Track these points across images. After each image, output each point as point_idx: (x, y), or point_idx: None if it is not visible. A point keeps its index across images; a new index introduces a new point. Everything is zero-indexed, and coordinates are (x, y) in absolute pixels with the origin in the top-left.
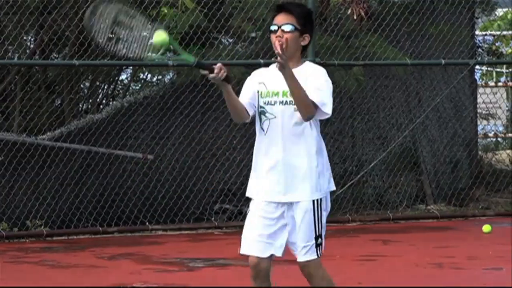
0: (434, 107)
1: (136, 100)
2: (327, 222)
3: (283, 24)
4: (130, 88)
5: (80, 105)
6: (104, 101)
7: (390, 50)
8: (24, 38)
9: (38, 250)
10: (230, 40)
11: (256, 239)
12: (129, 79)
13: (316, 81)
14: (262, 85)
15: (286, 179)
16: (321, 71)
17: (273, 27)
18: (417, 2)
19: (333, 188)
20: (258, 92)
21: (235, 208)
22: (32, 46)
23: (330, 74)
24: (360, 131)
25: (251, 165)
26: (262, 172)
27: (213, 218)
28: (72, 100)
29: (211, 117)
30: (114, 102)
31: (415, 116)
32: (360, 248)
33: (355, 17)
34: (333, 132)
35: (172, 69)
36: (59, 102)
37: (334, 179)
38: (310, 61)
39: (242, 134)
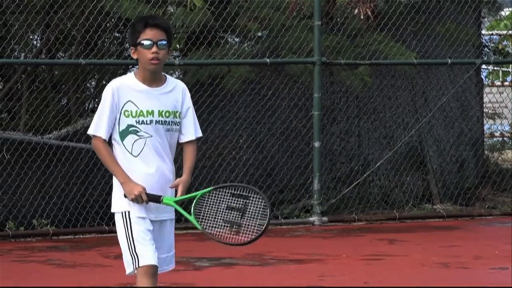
0: (441, 107)
1: None
2: (333, 221)
3: (159, 40)
4: None
5: (86, 104)
6: None
7: (396, 49)
8: (31, 37)
9: (44, 249)
10: (237, 39)
11: (153, 249)
12: None
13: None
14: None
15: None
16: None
17: (146, 42)
18: (423, 2)
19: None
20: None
21: None
22: (38, 45)
23: (336, 74)
24: (366, 131)
25: (257, 165)
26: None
27: None
28: (78, 99)
29: (218, 116)
30: None
31: (421, 116)
32: (366, 248)
33: (361, 17)
34: (339, 132)
35: (178, 68)
36: (65, 101)
37: (340, 178)
38: (316, 60)
39: (249, 133)
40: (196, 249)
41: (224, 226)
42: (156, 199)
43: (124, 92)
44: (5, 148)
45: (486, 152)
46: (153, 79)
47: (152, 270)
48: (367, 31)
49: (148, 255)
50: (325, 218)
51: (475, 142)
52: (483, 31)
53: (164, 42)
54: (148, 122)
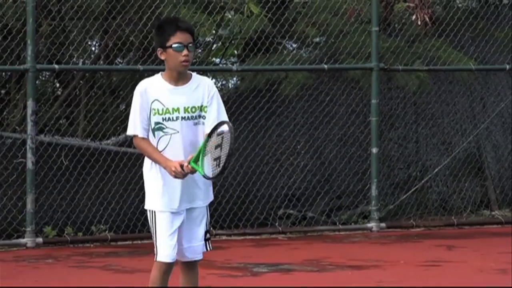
0: (499, 113)
1: None
2: (391, 227)
3: (189, 43)
4: None
5: None
6: None
7: (454, 55)
8: (89, 43)
9: (103, 255)
10: (294, 45)
11: (171, 246)
12: None
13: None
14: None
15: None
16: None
17: (177, 45)
18: (481, 7)
19: None
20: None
21: (299, 213)
22: (96, 51)
23: (394, 79)
24: (424, 137)
25: (315, 170)
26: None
27: (277, 223)
28: None
29: (275, 122)
30: None
31: (479, 122)
32: (424, 254)
33: (419, 23)
34: (397, 138)
35: (236, 74)
36: (124, 107)
37: (398, 184)
38: (374, 66)
39: (306, 139)
40: (254, 255)
41: (214, 163)
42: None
43: (151, 92)
44: (63, 154)
45: None
46: (180, 78)
47: (165, 267)
48: (425, 37)
49: (164, 253)
50: (383, 224)
51: None
52: None
53: (193, 46)
54: (174, 118)
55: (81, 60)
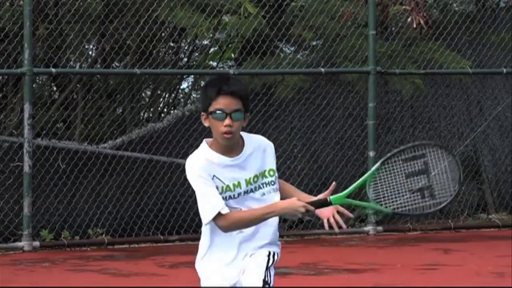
0: (496, 116)
1: (197, 109)
2: (388, 231)
3: (233, 111)
4: (191, 96)
5: (141, 114)
6: (165, 110)
7: (451, 58)
8: (86, 46)
9: (100, 258)
10: (291, 49)
11: None
12: (190, 87)
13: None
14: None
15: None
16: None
17: (218, 114)
18: (478, 11)
19: None
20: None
21: None
22: (93, 54)
23: (390, 83)
24: (421, 140)
25: (311, 174)
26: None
27: None
28: (133, 109)
29: (272, 125)
30: (175, 111)
31: (476, 125)
32: (421, 257)
33: (414, 26)
34: (394, 141)
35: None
36: (121, 110)
37: None
38: (371, 69)
39: (303, 142)
40: None
41: (413, 196)
42: (324, 202)
43: (207, 168)
44: (60, 158)
45: None
46: (231, 148)
47: None
48: (422, 40)
49: None
50: (380, 228)
51: None
52: None
53: (239, 114)
54: (236, 196)
55: (78, 64)
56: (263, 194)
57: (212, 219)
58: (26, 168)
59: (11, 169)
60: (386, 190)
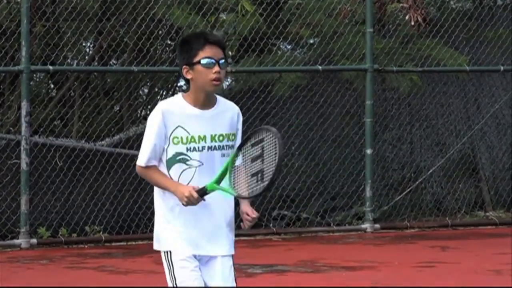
0: (493, 114)
1: None
2: (385, 228)
3: (220, 59)
4: None
5: (139, 111)
6: None
7: (448, 56)
8: (83, 44)
9: (97, 256)
10: (288, 46)
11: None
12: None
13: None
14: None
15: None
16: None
17: (207, 60)
18: (475, 8)
19: None
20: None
21: (293, 214)
22: (91, 52)
23: (388, 80)
24: (418, 138)
25: (309, 172)
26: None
27: (271, 224)
28: (130, 106)
29: (270, 123)
30: None
31: (473, 123)
32: (418, 255)
33: (412, 23)
34: (392, 139)
35: (230, 75)
36: (118, 108)
37: (392, 185)
38: (368, 67)
39: (301, 140)
40: (249, 256)
41: (252, 179)
42: (204, 191)
43: (173, 117)
44: (58, 155)
45: None
46: (207, 101)
47: None
48: (419, 37)
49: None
50: (377, 225)
51: None
52: None
53: (225, 62)
54: (200, 148)
55: (75, 61)
56: (223, 155)
57: (137, 164)
58: (24, 166)
59: (8, 167)
60: (240, 175)
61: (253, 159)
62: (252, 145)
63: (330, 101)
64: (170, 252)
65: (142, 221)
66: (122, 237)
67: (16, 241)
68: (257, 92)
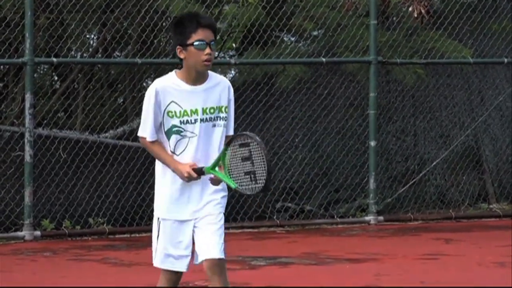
0: (497, 106)
1: None
2: (389, 220)
3: (211, 41)
4: None
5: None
6: None
7: (452, 48)
8: (87, 36)
9: (101, 248)
10: (292, 39)
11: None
12: None
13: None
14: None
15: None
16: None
17: (199, 43)
18: (479, 0)
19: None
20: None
21: (297, 206)
22: (94, 44)
23: (392, 72)
24: (422, 130)
25: (313, 164)
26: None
27: (275, 217)
28: (134, 98)
29: (273, 115)
30: None
31: (477, 115)
32: (422, 247)
33: (415, 15)
34: (395, 131)
35: (234, 67)
36: (122, 100)
37: (396, 178)
38: (372, 59)
39: (304, 132)
40: (252, 248)
41: (246, 177)
42: (200, 170)
43: (167, 93)
44: (61, 147)
45: None
46: (198, 78)
47: (173, 277)
48: (423, 29)
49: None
50: (381, 218)
51: None
52: None
53: (215, 44)
54: (193, 121)
55: (79, 53)
56: (214, 125)
57: (138, 135)
58: (27, 158)
59: (12, 159)
60: (233, 168)
61: (243, 159)
62: (240, 146)
63: (333, 93)
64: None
65: (146, 213)
66: (126, 229)
67: (19, 233)
68: (260, 84)
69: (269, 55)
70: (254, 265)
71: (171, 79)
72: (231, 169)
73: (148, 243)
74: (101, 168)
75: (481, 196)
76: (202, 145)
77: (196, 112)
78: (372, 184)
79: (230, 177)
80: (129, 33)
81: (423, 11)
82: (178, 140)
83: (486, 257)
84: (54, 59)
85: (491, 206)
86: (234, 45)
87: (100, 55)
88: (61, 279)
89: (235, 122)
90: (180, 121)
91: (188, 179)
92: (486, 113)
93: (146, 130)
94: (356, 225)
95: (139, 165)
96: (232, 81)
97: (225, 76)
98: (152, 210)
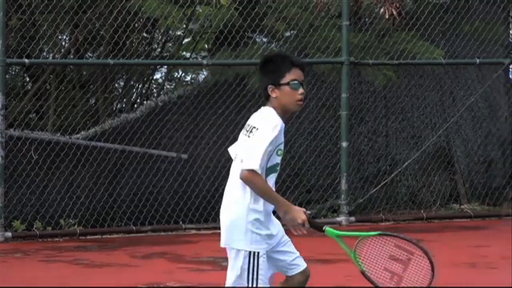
0: (468, 107)
1: (170, 100)
2: (360, 221)
3: (303, 81)
4: (165, 87)
5: (114, 105)
6: (138, 101)
7: (424, 49)
8: (59, 37)
9: (72, 249)
10: (264, 40)
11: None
12: (163, 78)
13: None
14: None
15: None
16: None
17: (295, 83)
18: (452, 1)
19: None
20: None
21: None
22: (66, 45)
23: (363, 73)
24: (394, 131)
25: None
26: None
27: None
28: (106, 99)
29: (245, 116)
30: (148, 102)
31: (449, 116)
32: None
33: (387, 16)
34: (367, 131)
35: (206, 68)
36: (94, 101)
37: (368, 178)
38: (344, 60)
39: None
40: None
41: (384, 273)
42: (319, 227)
43: (281, 131)
44: (33, 148)
45: None
46: (287, 119)
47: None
48: (395, 31)
49: None
50: (352, 218)
51: (503, 142)
52: None
53: (305, 84)
54: (279, 161)
55: (51, 54)
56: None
57: (247, 169)
58: None
59: None
60: (369, 253)
61: (391, 257)
62: (396, 246)
63: (306, 94)
64: (258, 253)
65: (117, 215)
66: (97, 230)
67: None
68: (232, 85)
69: (241, 56)
70: (225, 266)
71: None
72: (366, 251)
73: (119, 244)
74: (72, 169)
75: (452, 197)
76: (272, 184)
77: (282, 153)
78: (343, 185)
79: (358, 257)
80: (101, 34)
81: (394, 12)
82: (270, 177)
83: (458, 258)
84: (26, 60)
85: (462, 206)
86: (206, 46)
87: (72, 56)
88: (33, 280)
89: (207, 124)
90: (280, 159)
91: (297, 227)
92: (457, 113)
93: (258, 162)
94: (327, 226)
95: (110, 166)
96: (204, 82)
97: (197, 77)
98: (124, 212)
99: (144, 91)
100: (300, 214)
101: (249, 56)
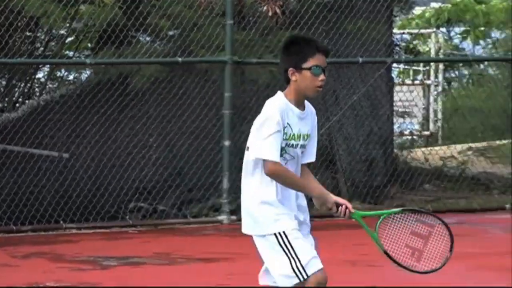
0: (351, 105)
1: (52, 99)
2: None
3: (325, 67)
4: (47, 86)
5: None
6: (20, 100)
7: None
8: None
9: None
10: (148, 38)
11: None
12: (46, 77)
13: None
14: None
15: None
16: None
17: (317, 69)
18: (335, 0)
19: None
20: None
21: (150, 206)
22: None
23: (247, 72)
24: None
25: (166, 164)
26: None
27: (127, 217)
28: None
29: (128, 115)
30: (31, 101)
31: (331, 114)
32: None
33: (270, 15)
34: (250, 131)
35: (89, 67)
36: None
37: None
38: (227, 59)
39: (159, 132)
40: (104, 248)
41: (405, 250)
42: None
43: (286, 115)
44: None
45: (395, 150)
46: (303, 102)
47: (324, 274)
48: (279, 29)
49: (315, 262)
50: (234, 217)
51: (385, 140)
52: (395, 30)
53: (327, 70)
54: (295, 145)
55: None
56: (303, 152)
57: (265, 159)
58: None
59: None
60: (391, 231)
61: (414, 233)
62: (417, 220)
63: (189, 93)
64: (284, 232)
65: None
66: None
67: None
68: (115, 84)
69: (124, 55)
70: (105, 266)
71: (285, 101)
72: (388, 230)
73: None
74: None
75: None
76: (294, 170)
77: (299, 137)
78: (225, 184)
79: (379, 239)
80: None
81: (278, 10)
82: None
83: (338, 256)
84: None
85: None
86: (89, 45)
87: None
88: None
89: (89, 123)
90: (286, 143)
91: (345, 212)
92: (340, 112)
93: (274, 154)
94: (209, 225)
95: (11, 170)
96: (87, 81)
97: (80, 76)
98: (4, 212)
99: (26, 90)
100: (330, 198)
101: (133, 55)
